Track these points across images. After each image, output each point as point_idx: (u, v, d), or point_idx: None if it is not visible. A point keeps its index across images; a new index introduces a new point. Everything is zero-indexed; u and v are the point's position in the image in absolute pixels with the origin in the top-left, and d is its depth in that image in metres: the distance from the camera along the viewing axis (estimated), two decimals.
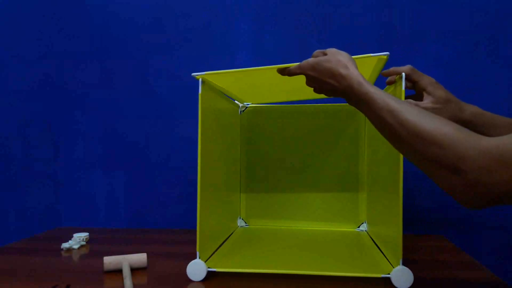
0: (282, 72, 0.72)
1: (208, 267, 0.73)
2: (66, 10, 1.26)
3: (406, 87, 0.75)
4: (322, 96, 1.08)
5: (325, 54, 0.67)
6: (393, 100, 0.56)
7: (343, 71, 0.62)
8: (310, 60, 0.67)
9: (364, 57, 0.70)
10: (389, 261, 0.77)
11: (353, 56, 0.69)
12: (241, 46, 1.19)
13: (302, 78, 0.81)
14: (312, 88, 0.70)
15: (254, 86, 0.90)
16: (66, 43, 1.26)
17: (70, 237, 1.07)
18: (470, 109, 0.76)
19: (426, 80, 0.76)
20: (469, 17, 1.11)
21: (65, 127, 1.26)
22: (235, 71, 0.75)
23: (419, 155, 0.51)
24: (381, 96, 0.57)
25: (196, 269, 0.73)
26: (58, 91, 1.27)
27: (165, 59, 1.22)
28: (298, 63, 0.69)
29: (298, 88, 0.95)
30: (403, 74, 0.71)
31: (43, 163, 1.27)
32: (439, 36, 1.12)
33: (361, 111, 0.62)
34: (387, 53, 0.69)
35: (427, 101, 0.75)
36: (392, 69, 0.77)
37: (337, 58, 0.64)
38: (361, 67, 0.78)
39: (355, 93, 0.60)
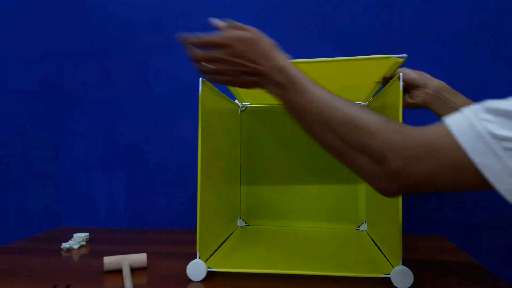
0: (196, 43, 0.62)
1: (208, 267, 0.73)
2: (66, 10, 1.26)
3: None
4: None
5: (244, 29, 0.61)
6: (320, 87, 0.56)
7: (273, 51, 0.59)
8: (240, 32, 0.60)
9: (383, 57, 0.70)
10: (389, 261, 0.77)
11: (371, 56, 0.71)
12: None
13: None
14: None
15: None
16: (66, 43, 1.26)
17: (70, 237, 1.07)
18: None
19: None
20: (469, 17, 1.11)
21: (65, 127, 1.26)
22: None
23: (344, 142, 0.51)
24: (309, 81, 0.56)
25: (196, 269, 0.73)
26: (58, 91, 1.27)
27: (165, 59, 1.22)
28: (220, 34, 0.60)
29: None
30: (401, 74, 0.71)
31: (43, 163, 1.27)
32: (439, 36, 1.12)
33: (282, 95, 0.58)
34: (405, 55, 0.69)
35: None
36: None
37: (266, 38, 0.61)
38: (377, 68, 0.78)
39: (283, 75, 0.57)
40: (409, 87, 0.84)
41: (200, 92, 0.75)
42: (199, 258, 0.73)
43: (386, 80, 0.85)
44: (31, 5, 1.27)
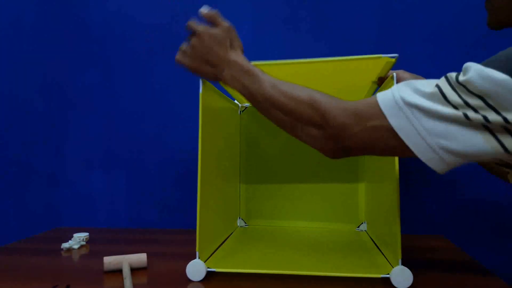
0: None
1: (208, 267, 0.73)
2: (66, 10, 1.26)
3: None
4: None
5: (219, 25, 0.69)
6: (268, 75, 0.66)
7: (232, 50, 0.69)
8: (213, 30, 0.68)
9: (374, 57, 0.70)
10: (388, 261, 0.77)
11: (363, 56, 0.71)
12: None
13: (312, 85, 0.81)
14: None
15: None
16: (66, 43, 1.26)
17: (70, 237, 1.07)
18: None
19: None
20: (467, 17, 1.11)
21: (65, 127, 1.26)
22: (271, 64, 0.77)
23: (293, 115, 0.61)
24: (259, 71, 0.66)
25: (196, 269, 0.73)
26: (58, 91, 1.27)
27: (166, 59, 1.22)
28: (198, 24, 0.69)
29: None
30: (395, 74, 0.72)
31: (43, 163, 1.27)
32: (439, 36, 1.12)
33: (239, 85, 0.67)
34: (396, 55, 0.70)
35: None
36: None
37: (235, 38, 0.69)
38: (370, 68, 0.78)
39: (241, 67, 0.67)
40: None
41: (200, 92, 0.75)
42: (199, 258, 0.73)
43: (381, 80, 0.86)
44: (31, 5, 1.27)
